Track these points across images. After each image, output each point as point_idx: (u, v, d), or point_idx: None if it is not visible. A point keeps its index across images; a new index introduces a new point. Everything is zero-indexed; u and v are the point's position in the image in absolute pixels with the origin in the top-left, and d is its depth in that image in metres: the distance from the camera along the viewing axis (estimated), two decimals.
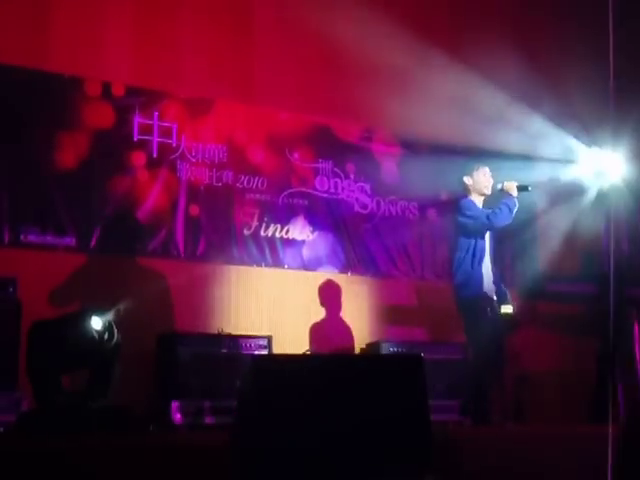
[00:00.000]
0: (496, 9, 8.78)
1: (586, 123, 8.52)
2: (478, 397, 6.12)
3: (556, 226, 8.53)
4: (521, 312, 6.53)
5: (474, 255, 6.16)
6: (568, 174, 8.56)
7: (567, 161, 8.57)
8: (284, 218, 7.54)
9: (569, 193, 8.57)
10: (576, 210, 8.55)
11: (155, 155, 7.09)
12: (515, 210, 6.17)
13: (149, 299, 6.70)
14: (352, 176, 7.95)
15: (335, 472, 3.62)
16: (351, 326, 7.55)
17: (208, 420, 6.03)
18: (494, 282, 6.24)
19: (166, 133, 7.18)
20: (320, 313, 7.49)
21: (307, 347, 7.17)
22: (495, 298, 6.22)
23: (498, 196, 6.31)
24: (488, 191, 6.31)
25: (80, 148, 6.77)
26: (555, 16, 8.94)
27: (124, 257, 6.85)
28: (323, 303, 7.49)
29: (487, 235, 6.25)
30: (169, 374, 6.26)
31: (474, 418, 6.09)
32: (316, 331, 7.38)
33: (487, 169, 6.32)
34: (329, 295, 7.55)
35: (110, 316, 5.24)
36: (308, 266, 7.60)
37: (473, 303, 6.15)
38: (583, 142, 8.61)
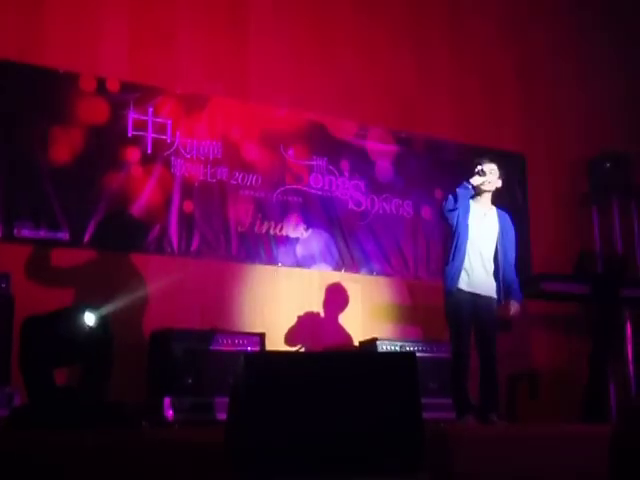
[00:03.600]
0: (494, 4, 8.80)
1: (584, 126, 8.56)
2: (456, 392, 6.15)
3: (550, 225, 8.55)
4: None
5: (449, 251, 6.20)
6: (564, 174, 8.59)
7: (562, 161, 8.61)
8: (278, 215, 7.54)
9: (564, 193, 8.60)
10: (571, 209, 8.58)
11: (149, 151, 7.09)
12: (464, 193, 6.10)
13: (142, 295, 6.72)
14: (346, 174, 7.95)
15: (327, 469, 3.62)
16: (345, 324, 7.55)
17: (201, 417, 6.01)
18: (497, 277, 6.22)
19: (161, 129, 7.17)
20: (313, 311, 7.49)
21: (300, 344, 7.18)
22: (491, 296, 6.19)
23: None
24: (489, 186, 6.24)
25: (74, 143, 6.76)
26: (554, 15, 8.99)
27: (118, 253, 6.85)
28: (322, 300, 7.51)
29: (482, 233, 6.22)
30: (162, 370, 6.25)
31: (458, 412, 6.12)
32: (310, 328, 7.38)
33: (485, 166, 6.22)
34: (329, 293, 7.55)
35: (103, 312, 5.23)
36: (302, 263, 7.59)
37: (446, 298, 6.18)
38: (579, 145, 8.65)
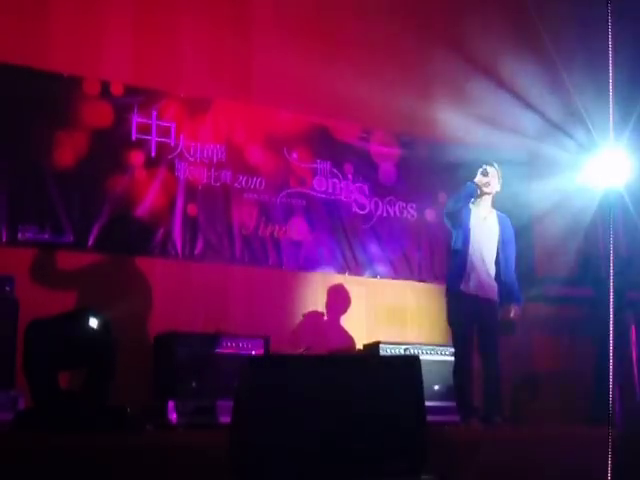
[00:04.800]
0: (496, 6, 8.78)
1: (585, 124, 8.53)
2: (460, 395, 6.16)
3: (553, 228, 8.53)
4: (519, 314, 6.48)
5: (452, 251, 6.23)
6: (567, 175, 8.56)
7: (566, 162, 8.58)
8: (282, 218, 7.54)
9: (567, 193, 8.57)
10: (574, 212, 8.56)
11: (153, 154, 7.09)
12: (468, 191, 6.20)
13: (147, 298, 6.72)
14: (350, 177, 7.95)
15: (332, 472, 3.62)
16: (348, 327, 7.55)
17: (204, 420, 6.01)
18: (499, 280, 6.24)
19: (164, 132, 7.17)
20: (317, 313, 7.49)
21: (304, 348, 7.17)
22: (493, 298, 6.21)
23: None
24: (490, 189, 6.30)
25: (78, 147, 6.76)
26: (554, 13, 8.95)
27: (122, 256, 6.85)
28: (329, 304, 7.51)
29: (483, 236, 6.25)
30: (166, 374, 6.26)
31: (462, 415, 6.13)
32: (314, 331, 7.38)
33: (488, 168, 6.28)
34: (335, 297, 7.55)
35: (107, 315, 5.24)
36: (306, 266, 7.59)
37: (448, 301, 6.21)
38: (583, 143, 8.62)
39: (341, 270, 7.73)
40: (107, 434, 4.48)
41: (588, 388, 7.43)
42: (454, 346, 6.28)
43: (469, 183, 6.23)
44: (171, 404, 5.97)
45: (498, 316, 6.25)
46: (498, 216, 6.38)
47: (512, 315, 6.27)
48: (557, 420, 7.13)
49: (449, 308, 6.22)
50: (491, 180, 6.27)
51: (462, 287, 6.13)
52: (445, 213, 6.38)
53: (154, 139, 7.12)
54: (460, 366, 6.15)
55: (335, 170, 7.89)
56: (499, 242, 6.29)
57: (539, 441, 5.24)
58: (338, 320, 7.55)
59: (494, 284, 6.23)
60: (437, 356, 6.98)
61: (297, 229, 7.59)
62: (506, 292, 6.26)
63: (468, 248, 6.17)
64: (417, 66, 8.34)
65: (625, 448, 4.67)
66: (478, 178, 6.23)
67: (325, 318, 7.52)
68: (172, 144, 7.20)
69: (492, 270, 6.24)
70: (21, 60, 6.58)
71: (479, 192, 6.27)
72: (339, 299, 7.59)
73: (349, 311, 7.62)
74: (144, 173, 7.04)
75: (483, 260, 6.21)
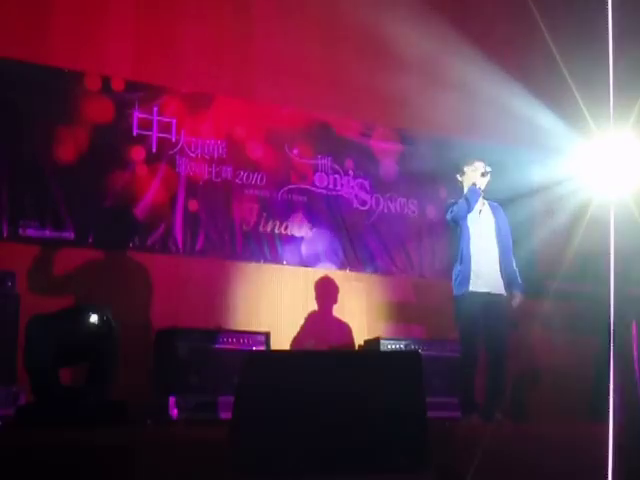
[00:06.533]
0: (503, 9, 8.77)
1: (585, 118, 8.52)
2: (463, 391, 6.17)
3: (555, 224, 8.53)
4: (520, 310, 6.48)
5: (457, 252, 6.23)
6: (568, 172, 8.56)
7: (567, 160, 8.58)
8: (283, 214, 7.54)
9: (568, 189, 8.57)
10: (574, 207, 8.56)
11: (154, 150, 7.10)
12: (476, 197, 6.19)
13: (148, 294, 6.73)
14: (351, 172, 7.95)
15: (332, 468, 3.63)
16: (349, 323, 7.56)
17: (205, 415, 6.02)
18: (504, 275, 6.24)
19: (165, 128, 7.17)
20: (317, 309, 7.49)
21: (305, 343, 7.18)
22: (502, 293, 6.21)
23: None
24: (481, 185, 6.29)
25: (79, 142, 6.76)
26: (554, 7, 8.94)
27: (123, 252, 6.86)
28: (321, 299, 7.50)
29: (482, 230, 6.25)
30: (167, 369, 6.26)
31: (463, 411, 6.14)
32: (314, 327, 7.38)
33: (478, 163, 6.29)
34: (327, 291, 7.55)
35: (108, 311, 5.24)
36: (307, 262, 7.59)
37: (457, 302, 6.20)
38: (581, 140, 8.62)
39: (342, 266, 7.73)
40: (108, 429, 4.48)
41: (588, 384, 7.44)
42: (461, 344, 6.25)
43: (473, 187, 6.22)
44: (172, 400, 5.99)
45: (506, 313, 6.24)
46: (490, 205, 6.39)
47: (515, 303, 6.26)
48: (557, 416, 7.14)
49: (458, 310, 6.19)
50: (489, 177, 6.29)
51: (471, 288, 6.12)
52: (451, 218, 6.30)
53: (155, 135, 7.12)
54: (467, 363, 6.14)
55: (336, 166, 7.89)
56: (496, 231, 6.30)
57: (539, 438, 5.24)
58: (339, 316, 7.55)
59: (500, 278, 6.23)
60: (437, 352, 6.98)
61: (298, 225, 7.59)
62: (508, 281, 6.26)
63: (471, 247, 6.17)
64: (418, 61, 8.32)
65: (625, 444, 4.67)
66: (479, 180, 6.23)
67: (325, 314, 7.51)
68: (173, 140, 7.20)
69: (496, 264, 6.23)
70: (22, 55, 6.58)
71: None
72: (331, 292, 7.56)
73: (350, 307, 7.62)
74: (145, 169, 7.04)
75: (487, 256, 6.20)
